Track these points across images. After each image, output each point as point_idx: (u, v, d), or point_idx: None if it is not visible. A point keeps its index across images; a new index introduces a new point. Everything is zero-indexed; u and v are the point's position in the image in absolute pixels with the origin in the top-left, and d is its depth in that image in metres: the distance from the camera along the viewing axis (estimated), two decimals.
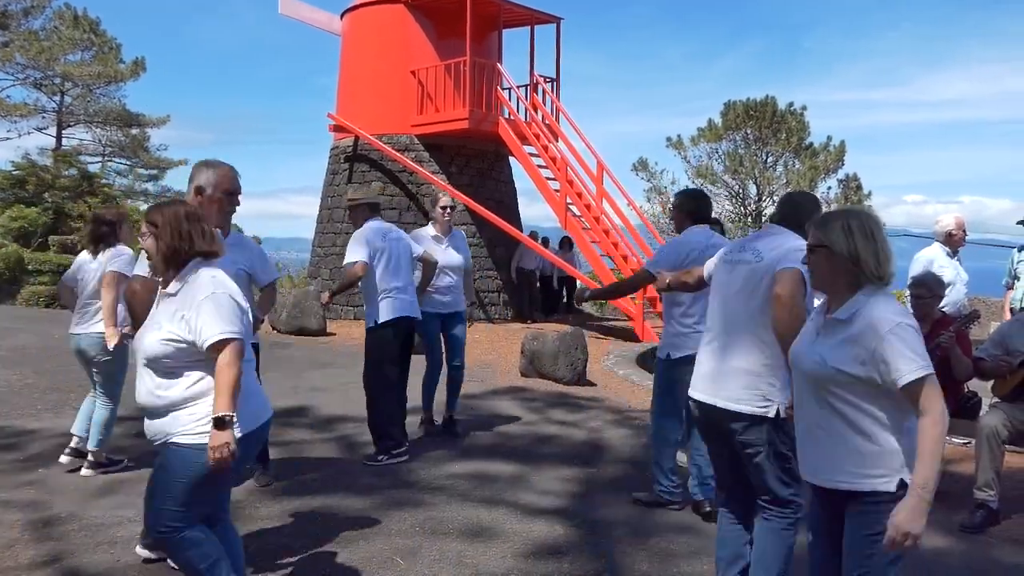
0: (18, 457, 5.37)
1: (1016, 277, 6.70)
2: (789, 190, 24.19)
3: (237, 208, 3.72)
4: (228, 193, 3.52)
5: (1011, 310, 6.62)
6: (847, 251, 2.42)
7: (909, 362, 2.29)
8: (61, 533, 4.08)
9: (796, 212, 3.32)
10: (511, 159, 15.48)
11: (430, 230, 6.24)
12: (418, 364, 6.12)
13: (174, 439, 2.80)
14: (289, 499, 4.69)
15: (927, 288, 5.09)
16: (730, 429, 3.17)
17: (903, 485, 2.36)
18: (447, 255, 6.15)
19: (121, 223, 5.23)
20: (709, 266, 3.55)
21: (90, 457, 5.06)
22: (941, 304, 5.38)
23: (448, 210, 6.21)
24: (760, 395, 3.14)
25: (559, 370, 8.83)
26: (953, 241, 6.40)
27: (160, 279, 2.95)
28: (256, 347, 3.98)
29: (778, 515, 3.17)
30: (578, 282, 16.35)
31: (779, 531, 3.17)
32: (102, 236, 5.06)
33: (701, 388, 3.30)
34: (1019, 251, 6.75)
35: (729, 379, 3.19)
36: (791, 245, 3.14)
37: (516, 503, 4.74)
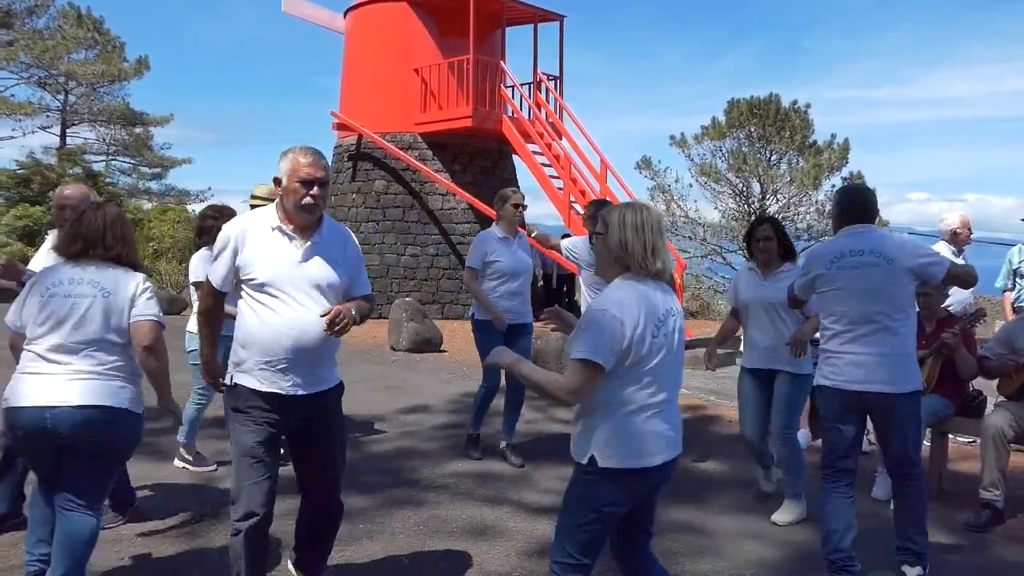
0: None
1: (1021, 275, 6.66)
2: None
3: (318, 198, 3.04)
4: (303, 182, 2.97)
5: (1015, 310, 6.58)
6: (618, 240, 2.60)
7: (578, 343, 2.52)
8: None
9: (872, 206, 3.74)
10: (514, 157, 15.47)
11: (497, 231, 5.57)
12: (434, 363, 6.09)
13: None
14: (292, 498, 4.68)
15: (931, 285, 5.06)
16: (887, 407, 3.57)
17: (592, 462, 2.56)
18: (517, 258, 5.55)
19: (226, 219, 5.20)
20: (805, 284, 3.83)
21: (182, 450, 5.27)
22: (947, 303, 5.34)
23: (521, 209, 5.61)
24: (912, 373, 3.60)
25: (562, 368, 8.81)
26: (958, 240, 6.37)
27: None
28: None
29: (912, 477, 3.66)
30: (578, 278, 16.32)
31: (922, 491, 3.72)
32: (206, 229, 4.94)
33: (857, 377, 3.57)
34: (1021, 249, 6.70)
35: (885, 366, 3.53)
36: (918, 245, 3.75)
37: (519, 502, 4.73)
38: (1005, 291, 6.79)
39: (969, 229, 6.43)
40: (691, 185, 26.27)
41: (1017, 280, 6.68)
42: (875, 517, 4.59)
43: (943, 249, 6.38)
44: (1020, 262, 6.67)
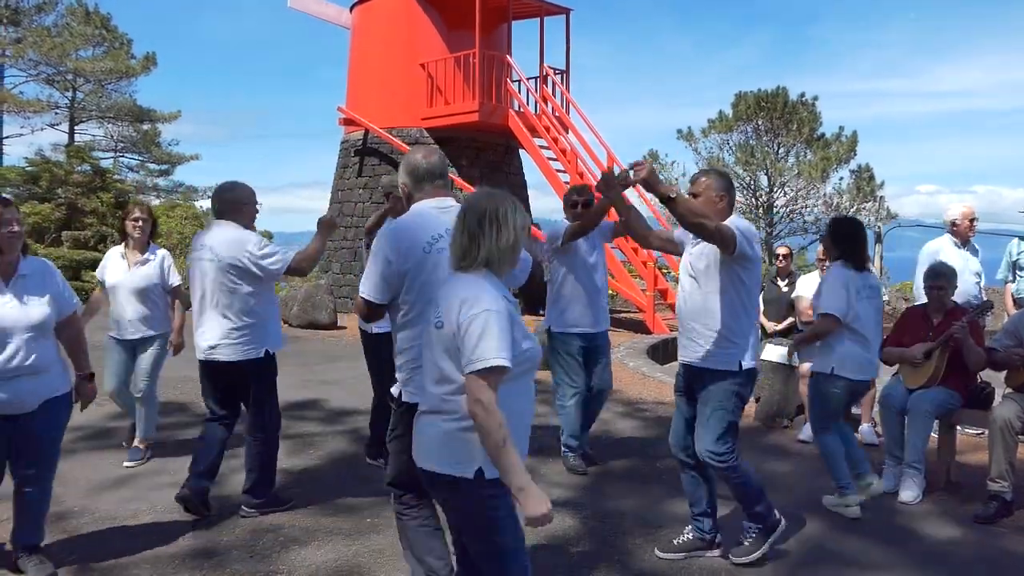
0: None
1: (1020, 267, 6.60)
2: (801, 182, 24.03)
3: None
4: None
5: (1015, 301, 6.54)
6: None
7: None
8: (74, 527, 4.11)
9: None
10: (521, 151, 15.45)
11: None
12: None
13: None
14: (299, 491, 4.71)
15: (947, 279, 5.07)
16: None
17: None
18: None
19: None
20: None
21: None
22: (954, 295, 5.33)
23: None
24: None
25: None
26: (958, 231, 6.32)
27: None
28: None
29: None
30: None
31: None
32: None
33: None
34: (1020, 241, 6.64)
35: None
36: None
37: None
38: (1006, 283, 6.74)
39: (971, 221, 6.35)
40: None
41: (1017, 272, 6.62)
42: (885, 510, 4.59)
43: (946, 242, 6.34)
44: (1020, 254, 6.61)
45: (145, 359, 5.16)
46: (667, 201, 3.36)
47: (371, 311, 2.99)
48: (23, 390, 3.32)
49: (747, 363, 3.67)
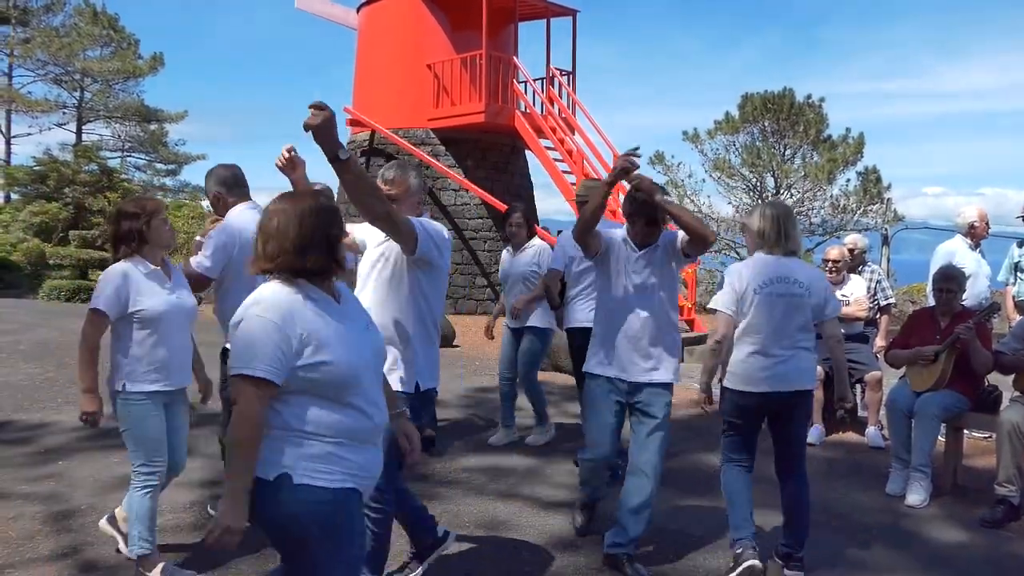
0: (39, 450, 5.43)
1: (1021, 270, 6.58)
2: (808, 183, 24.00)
3: None
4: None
5: (1016, 304, 6.51)
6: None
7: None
8: (80, 525, 4.12)
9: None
10: (527, 153, 15.46)
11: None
12: None
13: None
14: None
15: (956, 283, 5.05)
16: None
17: None
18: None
19: None
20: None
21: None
22: (963, 297, 5.32)
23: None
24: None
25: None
26: (975, 233, 6.33)
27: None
28: None
29: None
30: None
31: None
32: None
33: None
34: (1019, 246, 6.62)
35: None
36: None
37: (531, 496, 4.74)
38: (1007, 285, 6.72)
39: (987, 223, 6.38)
40: (704, 180, 26.16)
41: (1017, 275, 6.60)
42: (892, 513, 4.58)
43: (960, 243, 6.33)
44: (1020, 256, 6.59)
45: (183, 417, 3.73)
46: (335, 161, 2.81)
47: (202, 283, 3.91)
48: None
49: (426, 384, 3.24)
